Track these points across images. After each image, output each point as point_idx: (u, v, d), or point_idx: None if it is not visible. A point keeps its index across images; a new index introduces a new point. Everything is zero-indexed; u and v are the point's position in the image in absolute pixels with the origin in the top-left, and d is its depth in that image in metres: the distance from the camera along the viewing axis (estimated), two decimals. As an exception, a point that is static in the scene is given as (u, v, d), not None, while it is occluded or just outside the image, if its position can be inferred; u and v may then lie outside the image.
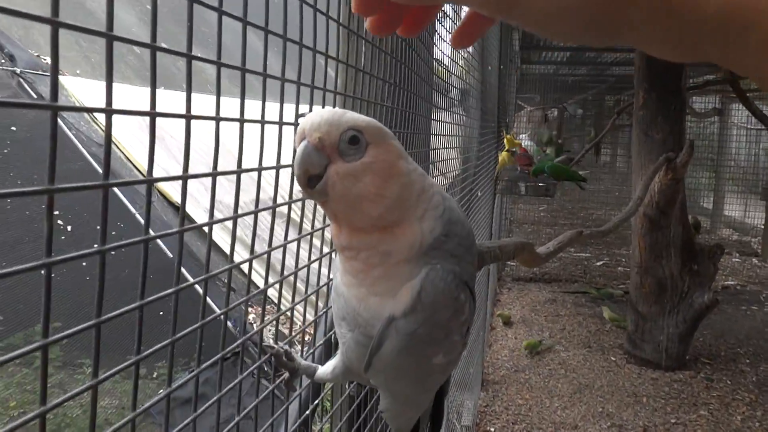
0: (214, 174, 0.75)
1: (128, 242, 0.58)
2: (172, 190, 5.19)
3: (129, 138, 5.35)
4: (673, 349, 5.40)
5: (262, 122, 0.82)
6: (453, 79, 2.43)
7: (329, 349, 1.20)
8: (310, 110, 0.98)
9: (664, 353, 5.42)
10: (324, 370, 0.99)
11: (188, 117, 0.69)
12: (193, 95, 0.69)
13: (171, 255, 4.62)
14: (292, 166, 0.98)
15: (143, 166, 5.24)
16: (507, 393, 4.97)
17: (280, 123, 0.88)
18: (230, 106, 0.86)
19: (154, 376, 4.38)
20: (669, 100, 4.98)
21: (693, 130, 10.01)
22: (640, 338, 5.54)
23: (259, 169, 0.88)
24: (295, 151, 0.73)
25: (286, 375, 1.02)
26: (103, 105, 0.54)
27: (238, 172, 0.81)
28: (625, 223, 4.66)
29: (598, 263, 8.74)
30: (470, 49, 2.94)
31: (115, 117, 0.55)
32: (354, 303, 0.79)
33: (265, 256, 0.93)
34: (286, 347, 1.01)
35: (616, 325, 6.29)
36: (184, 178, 0.69)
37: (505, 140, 5.31)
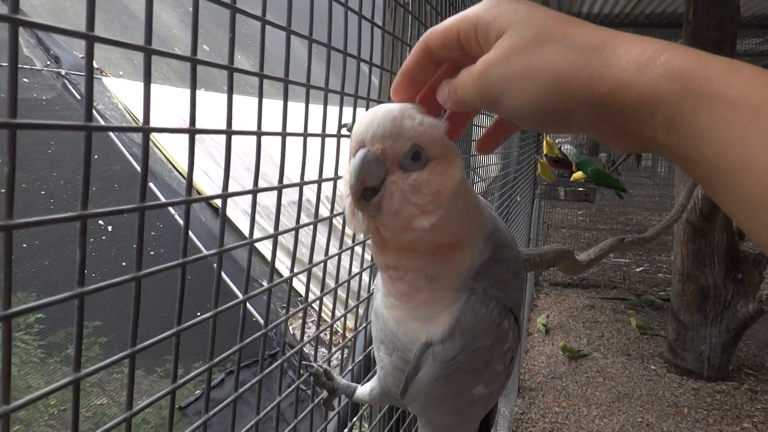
0: (254, 191, 0.73)
1: (165, 266, 0.56)
2: (207, 188, 5.25)
3: (169, 138, 5.43)
4: (715, 359, 5.25)
5: (305, 135, 0.80)
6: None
7: (368, 363, 1.17)
8: (353, 121, 0.96)
9: (707, 363, 5.27)
10: (362, 391, 0.97)
11: (229, 132, 0.67)
12: (234, 97, 0.67)
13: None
14: (334, 179, 0.97)
15: (182, 166, 5.31)
16: (544, 400, 4.89)
17: (323, 135, 0.86)
18: (273, 108, 0.84)
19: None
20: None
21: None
22: (681, 347, 5.39)
23: (301, 184, 0.87)
24: (349, 158, 0.70)
25: (325, 394, 0.99)
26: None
27: (279, 188, 0.79)
28: (668, 230, 4.54)
29: (638, 269, 8.54)
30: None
31: (154, 114, 0.53)
32: (392, 325, 0.76)
33: (306, 262, 0.91)
34: (326, 366, 0.99)
35: (642, 333, 6.12)
36: (224, 196, 0.67)
37: (544, 144, 5.23)
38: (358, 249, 1.14)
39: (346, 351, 1.26)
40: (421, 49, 0.62)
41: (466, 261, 0.71)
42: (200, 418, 0.72)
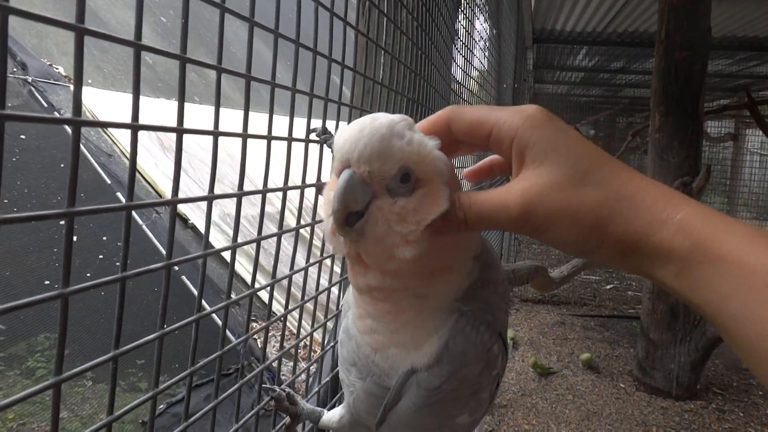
0: (239, 195, 0.68)
1: (149, 268, 0.51)
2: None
3: (138, 147, 5.33)
4: (684, 378, 5.28)
5: (289, 139, 0.76)
6: (468, 96, 2.37)
7: (336, 384, 1.12)
8: (323, 126, 0.92)
9: (675, 382, 5.30)
10: (329, 417, 0.90)
11: (215, 134, 0.62)
12: (205, 107, 0.62)
13: (177, 268, 4.57)
14: (315, 185, 0.92)
15: (151, 176, 5.21)
16: (513, 417, 4.86)
17: (307, 141, 0.82)
18: (235, 117, 0.80)
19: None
20: (686, 123, 4.91)
21: (706, 154, 9.94)
22: (651, 366, 5.42)
23: (285, 189, 0.82)
24: (330, 175, 0.65)
25: (288, 420, 0.93)
26: (114, 116, 0.48)
27: (264, 191, 0.75)
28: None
29: (608, 287, 8.62)
30: (487, 65, 2.89)
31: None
32: (367, 350, 0.70)
33: (272, 271, 0.86)
34: (289, 390, 0.93)
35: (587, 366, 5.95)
36: (210, 198, 0.62)
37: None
38: (327, 260, 1.09)
39: (312, 367, 1.21)
40: (441, 127, 0.63)
41: (454, 281, 0.67)
42: None
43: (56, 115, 4.86)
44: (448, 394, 0.67)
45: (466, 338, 0.66)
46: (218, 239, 5.19)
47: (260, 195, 0.77)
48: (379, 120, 0.59)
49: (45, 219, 0.42)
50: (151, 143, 5.32)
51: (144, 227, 4.67)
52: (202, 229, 5.23)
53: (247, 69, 0.68)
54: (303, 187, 0.86)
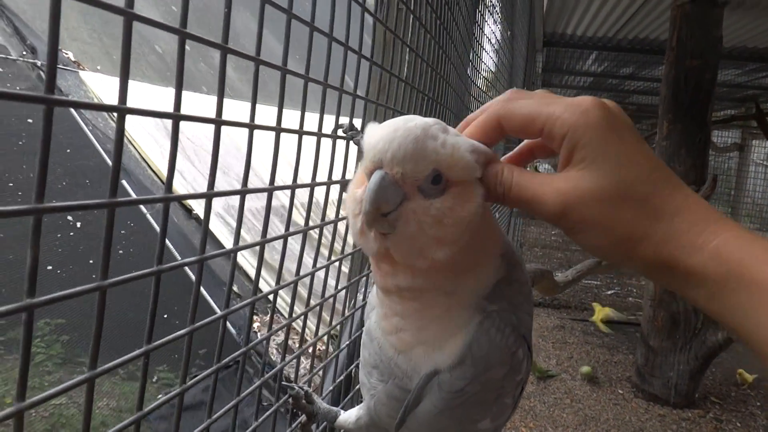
0: (243, 191, 0.67)
1: (183, 262, 0.51)
2: (182, 189, 5.14)
3: (143, 135, 5.32)
4: (682, 386, 5.28)
5: (318, 135, 0.75)
6: (483, 97, 2.37)
7: (347, 384, 1.11)
8: (350, 122, 0.91)
9: (674, 390, 5.30)
10: (346, 418, 0.89)
11: (218, 122, 0.61)
12: (213, 98, 0.60)
13: (179, 258, 4.56)
14: (327, 183, 0.91)
15: (157, 165, 5.20)
16: (511, 420, 4.86)
17: (334, 137, 0.81)
18: (242, 109, 0.78)
19: (154, 380, 4.29)
20: (694, 132, 4.90)
21: (711, 164, 9.92)
22: (650, 373, 5.42)
23: (293, 187, 0.81)
24: (357, 172, 0.64)
25: (303, 418, 0.92)
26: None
27: (269, 189, 0.74)
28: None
29: (609, 292, 8.62)
30: (500, 66, 2.88)
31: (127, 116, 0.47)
32: (390, 352, 0.70)
33: (280, 258, 0.86)
34: (307, 388, 0.92)
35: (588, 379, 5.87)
36: (209, 195, 0.60)
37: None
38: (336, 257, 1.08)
39: (316, 363, 1.20)
40: (492, 126, 0.62)
41: (482, 278, 0.66)
42: (164, 423, 0.66)
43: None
44: (471, 398, 0.66)
45: (490, 341, 0.65)
46: (222, 232, 5.19)
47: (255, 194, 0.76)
48: (414, 121, 0.59)
49: (88, 209, 0.41)
50: (158, 132, 5.31)
51: (148, 216, 4.66)
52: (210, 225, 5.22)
53: (257, 52, 0.65)
54: (329, 183, 0.86)
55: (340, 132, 0.86)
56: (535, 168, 5.56)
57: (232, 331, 4.55)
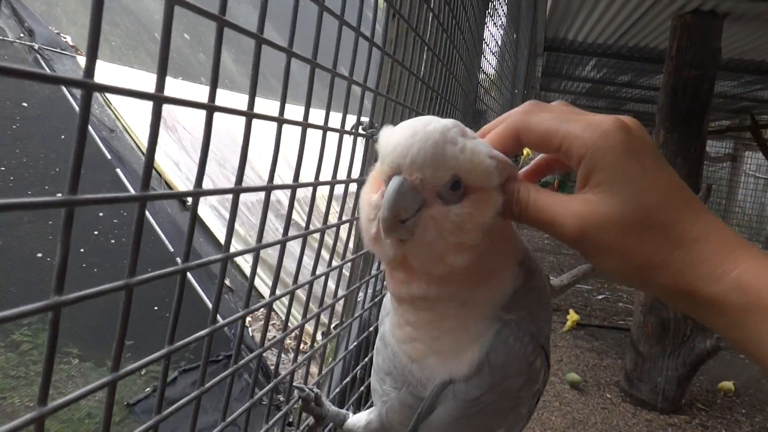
0: (268, 188, 0.66)
1: (209, 260, 0.49)
2: (177, 180, 5.11)
3: (139, 123, 5.28)
4: (670, 392, 5.31)
5: (341, 131, 0.73)
6: (488, 99, 2.36)
7: (352, 384, 1.10)
8: (371, 120, 0.90)
9: (661, 395, 5.33)
10: (354, 422, 0.88)
11: (249, 115, 0.59)
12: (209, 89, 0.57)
13: (172, 249, 4.53)
14: (346, 181, 0.90)
15: (153, 155, 5.16)
16: (499, 422, 4.87)
17: (355, 134, 0.80)
18: (240, 102, 0.74)
19: (143, 372, 4.26)
20: (690, 141, 4.93)
21: (704, 173, 10.01)
22: (638, 378, 5.44)
23: (293, 186, 0.79)
24: (371, 175, 0.63)
25: (311, 421, 0.91)
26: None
27: (293, 186, 0.72)
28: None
29: (599, 297, 8.64)
30: (506, 68, 2.87)
31: (128, 99, 0.45)
32: (404, 360, 0.69)
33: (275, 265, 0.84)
34: (317, 390, 0.91)
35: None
36: (236, 191, 0.59)
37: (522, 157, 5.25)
38: (334, 260, 1.07)
39: (313, 363, 1.19)
40: (510, 137, 0.61)
41: (500, 287, 0.65)
42: (149, 417, 0.64)
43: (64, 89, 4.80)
44: (486, 407, 0.65)
45: (509, 350, 0.64)
46: (216, 225, 5.17)
47: (260, 180, 0.74)
48: (432, 125, 0.57)
49: (120, 202, 0.40)
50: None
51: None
52: (205, 218, 5.20)
53: (290, 43, 0.63)
54: (348, 181, 0.85)
55: (360, 129, 0.85)
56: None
57: (225, 328, 4.51)
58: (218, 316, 0.60)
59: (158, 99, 0.42)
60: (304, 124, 0.67)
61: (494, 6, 2.20)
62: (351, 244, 1.05)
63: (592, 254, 0.55)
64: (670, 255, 0.52)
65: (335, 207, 0.88)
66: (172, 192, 0.49)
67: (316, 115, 0.64)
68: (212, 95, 0.48)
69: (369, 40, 0.84)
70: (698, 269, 0.51)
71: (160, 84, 0.42)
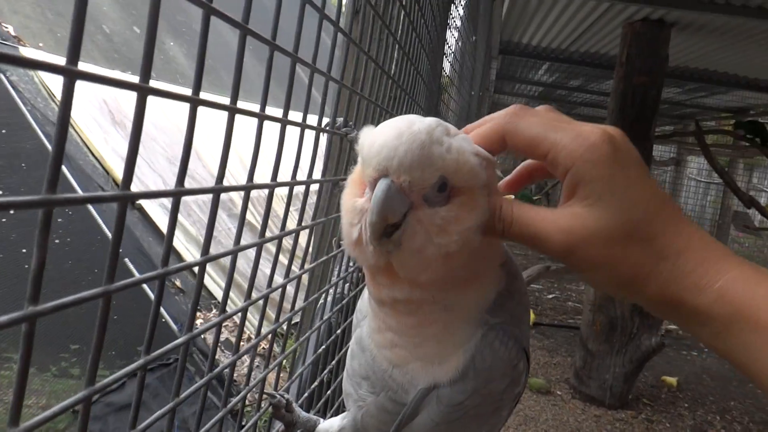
0: (248, 187, 0.63)
1: (187, 264, 0.46)
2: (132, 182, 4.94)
3: (86, 119, 5.09)
4: (617, 388, 5.46)
5: (320, 130, 0.71)
6: (447, 99, 2.36)
7: (319, 391, 1.07)
8: (345, 119, 0.88)
9: (609, 391, 5.48)
10: (326, 427, 0.86)
11: (232, 110, 0.56)
12: (162, 84, 0.55)
13: (120, 249, 4.37)
14: (338, 179, 0.87)
15: (99, 151, 4.99)
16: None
17: (331, 132, 0.77)
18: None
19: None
20: (638, 146, 4.74)
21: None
22: (587, 375, 5.58)
23: (271, 186, 0.76)
24: (352, 178, 0.61)
25: (281, 428, 0.88)
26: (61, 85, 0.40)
27: (272, 185, 0.69)
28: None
29: (550, 296, 8.83)
30: (465, 70, 2.89)
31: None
32: (384, 365, 0.67)
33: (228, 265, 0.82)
34: (288, 397, 0.88)
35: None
36: (216, 190, 0.56)
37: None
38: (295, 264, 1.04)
39: (258, 360, 1.16)
40: (495, 139, 0.60)
41: (483, 291, 0.64)
42: (98, 423, 0.61)
43: (5, 81, 4.59)
44: (470, 411, 0.64)
45: (494, 354, 0.63)
46: (165, 222, 5.03)
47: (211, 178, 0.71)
48: (417, 125, 0.56)
49: (103, 201, 0.37)
50: (102, 117, 5.09)
51: (89, 206, 4.46)
52: (153, 216, 5.05)
53: (273, 36, 0.59)
54: (325, 180, 0.82)
55: (325, 128, 0.82)
56: None
57: (174, 327, 4.41)
58: (196, 322, 0.57)
59: (143, 90, 0.39)
60: (284, 121, 0.65)
61: (456, 8, 2.21)
62: (311, 248, 1.02)
63: (581, 268, 0.55)
64: (657, 267, 0.52)
65: (293, 209, 0.85)
66: (155, 191, 0.45)
67: (277, 113, 0.60)
68: (196, 88, 0.45)
69: (334, 23, 0.77)
70: (684, 280, 0.51)
71: (145, 75, 0.39)
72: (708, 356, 7.19)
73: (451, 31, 2.17)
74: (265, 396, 0.86)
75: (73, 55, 0.33)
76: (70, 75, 0.33)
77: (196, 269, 0.55)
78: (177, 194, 0.46)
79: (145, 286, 4.49)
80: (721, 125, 9.34)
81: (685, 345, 7.55)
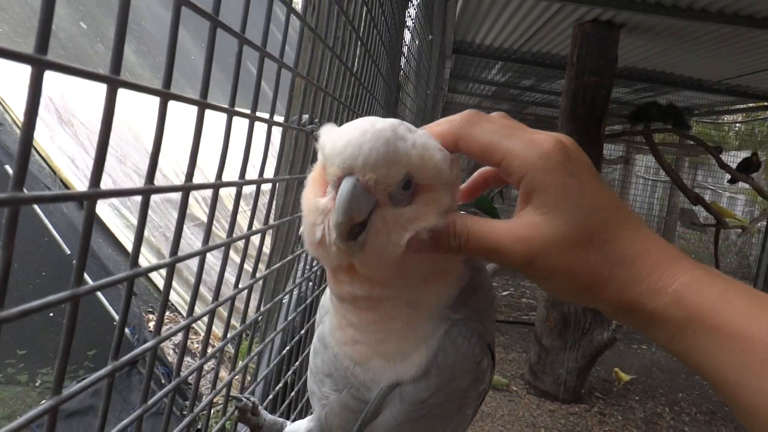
0: (216, 185, 0.61)
1: (158, 264, 0.44)
2: (74, 178, 4.78)
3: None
4: (571, 383, 5.58)
5: (271, 123, 0.70)
6: (404, 97, 2.37)
7: (284, 391, 1.06)
8: (310, 115, 0.86)
9: (563, 386, 5.59)
10: (294, 430, 0.84)
11: (202, 104, 0.54)
12: None
13: (69, 251, 4.24)
14: (299, 178, 0.85)
15: (46, 150, 4.82)
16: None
17: (298, 129, 0.76)
18: (146, 99, 0.61)
19: (37, 384, 3.95)
20: (589, 145, 5.19)
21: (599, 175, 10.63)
22: (542, 370, 5.69)
23: (238, 184, 0.75)
24: (313, 177, 0.60)
25: (246, 431, 0.86)
26: (8, 82, 0.39)
27: (240, 183, 0.67)
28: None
29: (504, 293, 8.96)
30: (422, 69, 2.90)
31: (12, 90, 0.40)
32: (346, 362, 0.66)
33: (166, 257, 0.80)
34: (254, 400, 0.86)
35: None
36: (186, 188, 0.54)
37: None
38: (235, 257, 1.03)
39: (213, 361, 1.13)
40: (450, 141, 0.59)
41: (447, 287, 0.64)
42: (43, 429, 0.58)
43: None
44: (434, 409, 0.63)
45: (457, 350, 0.62)
46: (116, 224, 4.90)
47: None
48: (381, 123, 0.55)
49: (71, 200, 0.35)
50: (49, 115, 4.91)
51: (35, 207, 4.30)
52: (103, 216, 4.90)
53: (242, 28, 0.58)
54: (288, 179, 0.80)
55: (291, 125, 0.81)
56: None
57: (126, 330, 4.29)
58: (162, 327, 0.55)
59: (113, 82, 0.37)
60: (252, 117, 0.63)
61: (413, 6, 2.21)
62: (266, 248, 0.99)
63: (540, 276, 0.56)
64: (613, 273, 0.53)
65: (243, 205, 0.83)
66: (122, 189, 0.43)
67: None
68: (167, 81, 0.43)
69: (287, 4, 0.73)
70: (639, 285, 0.52)
71: (116, 67, 0.37)
72: (658, 350, 7.42)
73: (408, 30, 2.17)
74: (230, 399, 0.84)
75: (42, 43, 0.31)
76: (39, 65, 0.31)
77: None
78: (147, 192, 0.44)
79: (88, 278, 4.36)
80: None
81: (636, 339, 7.77)
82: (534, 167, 0.53)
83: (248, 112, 0.64)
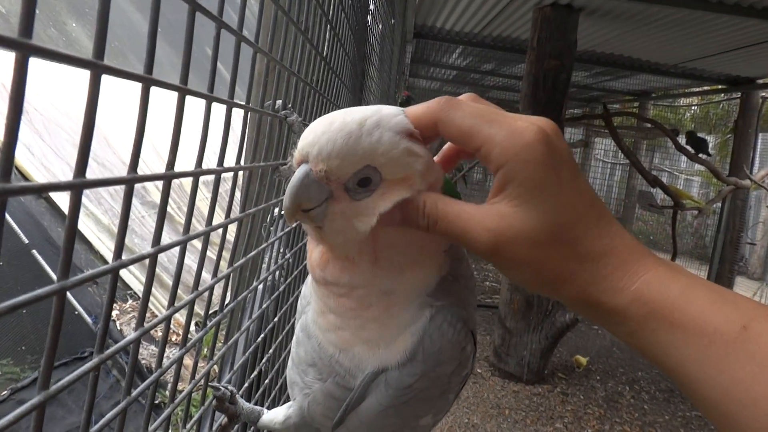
0: (197, 173, 0.60)
1: (141, 255, 0.44)
2: (30, 166, 4.63)
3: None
4: (534, 364, 5.71)
5: (247, 109, 0.69)
6: (370, 82, 2.36)
7: (259, 380, 1.05)
8: (283, 100, 0.85)
9: (526, 367, 5.71)
10: (271, 418, 0.83)
11: (182, 90, 0.53)
12: (65, 68, 0.51)
13: (27, 240, 4.12)
14: (279, 164, 0.85)
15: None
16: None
17: (272, 114, 0.75)
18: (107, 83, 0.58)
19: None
20: (551, 128, 5.26)
21: (559, 158, 10.80)
22: (506, 352, 5.79)
23: (218, 171, 0.74)
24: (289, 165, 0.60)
25: (224, 420, 0.85)
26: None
27: (219, 170, 0.66)
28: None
29: (468, 277, 9.06)
30: (386, 54, 2.89)
31: None
32: (330, 350, 0.66)
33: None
34: (232, 388, 0.85)
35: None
36: (168, 177, 0.53)
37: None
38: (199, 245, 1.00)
39: (176, 348, 1.12)
40: (428, 125, 0.58)
41: (425, 276, 0.64)
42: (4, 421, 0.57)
43: None
44: (418, 394, 0.64)
45: (442, 336, 0.63)
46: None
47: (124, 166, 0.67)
48: (352, 115, 0.55)
49: (57, 190, 0.34)
50: (3, 103, 4.73)
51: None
52: (60, 204, 4.76)
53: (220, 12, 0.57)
54: (262, 165, 0.80)
55: (267, 109, 0.80)
56: None
57: (88, 319, 4.20)
58: (144, 319, 0.54)
59: (96, 67, 0.36)
60: (230, 103, 0.62)
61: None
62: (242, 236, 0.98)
63: (504, 266, 0.56)
64: (578, 269, 0.53)
65: (205, 193, 0.81)
66: (108, 178, 0.42)
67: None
68: (149, 67, 0.42)
69: None
70: (602, 282, 0.53)
71: (99, 52, 0.36)
72: (616, 329, 7.62)
73: (370, 14, 2.16)
74: (209, 388, 0.83)
75: (26, 27, 0.30)
76: (23, 49, 0.30)
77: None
78: (130, 181, 0.43)
79: (50, 271, 4.25)
80: (626, 108, 9.88)
81: (595, 319, 7.97)
82: (514, 158, 0.53)
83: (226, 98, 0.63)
